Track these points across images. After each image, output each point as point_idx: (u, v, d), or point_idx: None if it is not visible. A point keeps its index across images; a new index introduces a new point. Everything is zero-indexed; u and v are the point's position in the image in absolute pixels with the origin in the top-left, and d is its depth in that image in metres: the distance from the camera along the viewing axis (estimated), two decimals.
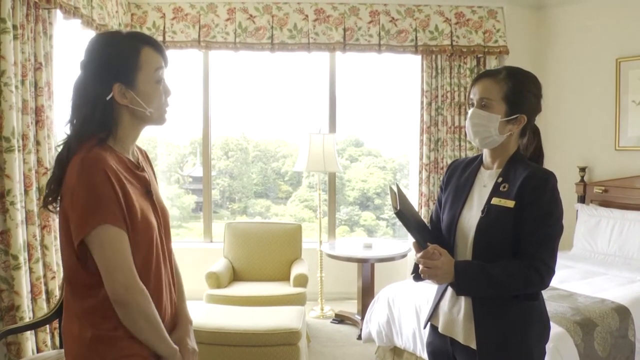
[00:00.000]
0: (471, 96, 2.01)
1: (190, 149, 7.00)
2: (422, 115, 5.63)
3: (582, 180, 5.41)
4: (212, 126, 6.04)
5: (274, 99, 6.60)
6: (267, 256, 5.08)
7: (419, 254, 1.91)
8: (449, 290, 2.03)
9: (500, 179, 1.96)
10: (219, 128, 6.47)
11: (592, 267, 4.58)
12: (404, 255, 5.05)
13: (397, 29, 5.55)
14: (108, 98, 1.59)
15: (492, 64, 5.56)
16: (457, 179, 2.12)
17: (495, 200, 1.92)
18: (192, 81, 5.96)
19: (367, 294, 4.98)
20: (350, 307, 5.39)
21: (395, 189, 1.87)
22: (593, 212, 5.08)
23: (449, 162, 5.52)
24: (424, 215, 5.47)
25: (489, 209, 1.92)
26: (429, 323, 2.16)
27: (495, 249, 1.89)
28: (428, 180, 5.62)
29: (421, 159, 5.66)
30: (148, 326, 1.59)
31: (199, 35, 5.50)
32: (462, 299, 1.97)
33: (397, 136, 6.69)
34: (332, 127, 5.95)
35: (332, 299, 5.74)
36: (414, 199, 5.73)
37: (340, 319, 5.20)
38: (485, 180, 2.02)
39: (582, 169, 5.41)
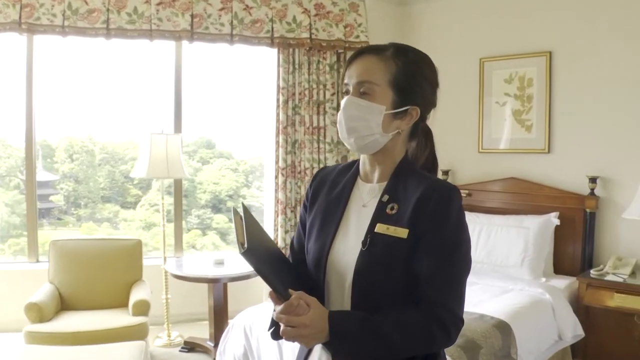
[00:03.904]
0: (346, 80, 1.47)
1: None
2: (278, 115, 5.13)
3: None
4: (37, 124, 5.12)
5: (117, 96, 5.83)
6: (101, 279, 4.38)
7: (279, 308, 1.31)
8: (319, 347, 1.44)
9: (385, 197, 1.44)
10: (61, 129, 5.81)
11: None
12: None
13: (251, 18, 5.00)
14: None
15: None
16: (327, 196, 1.56)
17: (380, 228, 1.40)
18: (18, 73, 5.03)
19: (219, 317, 4.44)
20: (202, 332, 4.78)
21: (241, 212, 1.29)
22: None
23: (307, 166, 5.08)
24: (281, 224, 5.02)
25: (372, 239, 1.39)
26: None
27: (383, 293, 1.38)
28: (285, 185, 5.12)
29: (277, 162, 5.15)
30: None
31: (20, 17, 4.57)
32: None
33: (250, 136, 6.26)
34: (178, 126, 5.29)
35: (181, 321, 5.09)
36: (269, 207, 5.26)
37: (190, 346, 4.59)
38: (365, 198, 1.49)
39: (445, 172, 5.24)
